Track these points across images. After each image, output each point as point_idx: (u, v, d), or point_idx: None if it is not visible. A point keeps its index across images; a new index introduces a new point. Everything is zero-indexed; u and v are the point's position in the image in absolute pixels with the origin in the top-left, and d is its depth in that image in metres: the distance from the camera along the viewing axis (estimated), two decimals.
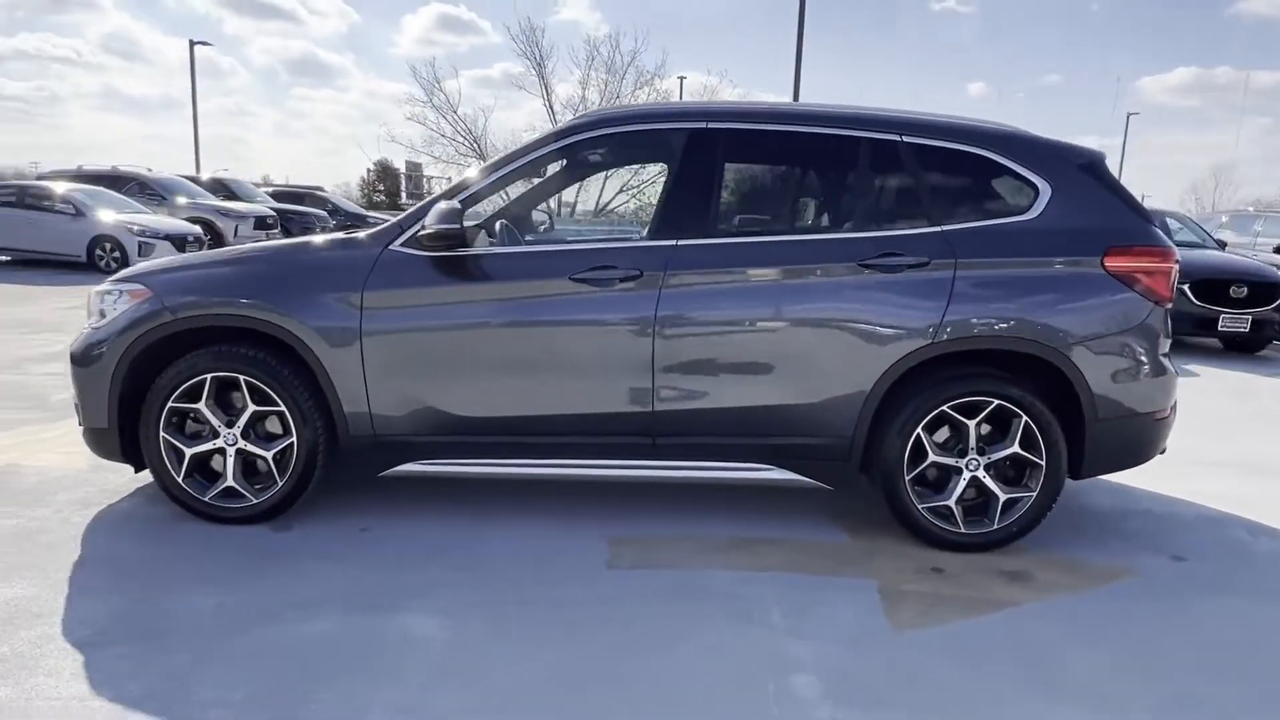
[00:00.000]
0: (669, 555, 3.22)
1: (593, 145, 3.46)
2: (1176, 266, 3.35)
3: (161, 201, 15.73)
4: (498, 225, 3.69)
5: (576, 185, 4.07)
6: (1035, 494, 3.28)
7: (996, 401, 3.21)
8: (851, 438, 3.27)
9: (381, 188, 46.15)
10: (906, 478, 3.27)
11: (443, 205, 3.17)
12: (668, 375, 3.22)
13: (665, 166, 3.38)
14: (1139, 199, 3.49)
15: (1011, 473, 3.35)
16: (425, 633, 2.59)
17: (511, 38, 28.31)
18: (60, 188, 14.54)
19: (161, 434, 3.30)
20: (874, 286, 3.19)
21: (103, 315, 3.35)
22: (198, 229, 14.27)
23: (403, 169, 50.86)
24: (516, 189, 3.57)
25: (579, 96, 40.09)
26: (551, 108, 35.78)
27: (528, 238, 4.18)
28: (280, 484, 3.33)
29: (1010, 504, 3.30)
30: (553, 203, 4.84)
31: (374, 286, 3.22)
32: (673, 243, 3.24)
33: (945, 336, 3.18)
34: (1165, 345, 3.38)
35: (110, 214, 13.61)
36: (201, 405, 3.29)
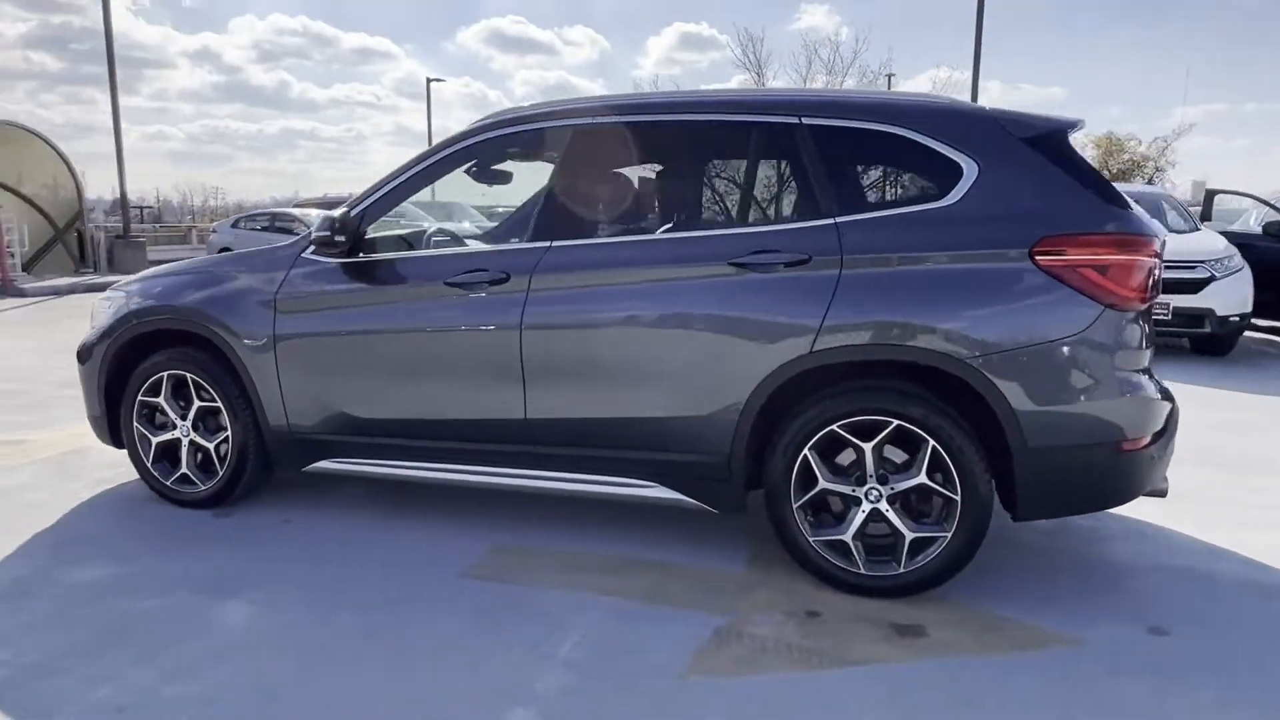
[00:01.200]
0: (533, 569, 3.09)
1: (493, 148, 3.42)
2: (1146, 260, 2.65)
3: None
4: (429, 231, 3.76)
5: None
6: (950, 535, 2.75)
7: (896, 422, 2.73)
8: (729, 456, 2.93)
9: None
10: (794, 505, 2.88)
11: (331, 213, 3.30)
12: (537, 382, 3.10)
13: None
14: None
15: (926, 507, 2.83)
16: (230, 621, 2.71)
17: (729, 48, 28.58)
18: (310, 213, 16.90)
19: (135, 424, 3.75)
20: (745, 288, 2.85)
21: (97, 319, 3.87)
22: None
23: None
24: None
25: None
26: None
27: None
28: (220, 473, 3.65)
29: (921, 544, 2.79)
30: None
31: (285, 292, 3.43)
32: (547, 244, 3.11)
33: (826, 345, 2.76)
34: (1134, 358, 2.69)
35: None
36: (161, 399, 3.69)
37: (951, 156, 2.78)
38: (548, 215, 3.16)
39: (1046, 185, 2.72)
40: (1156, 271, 2.72)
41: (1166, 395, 2.86)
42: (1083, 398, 2.64)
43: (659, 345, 2.94)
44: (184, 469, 3.71)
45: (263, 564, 3.16)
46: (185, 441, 3.70)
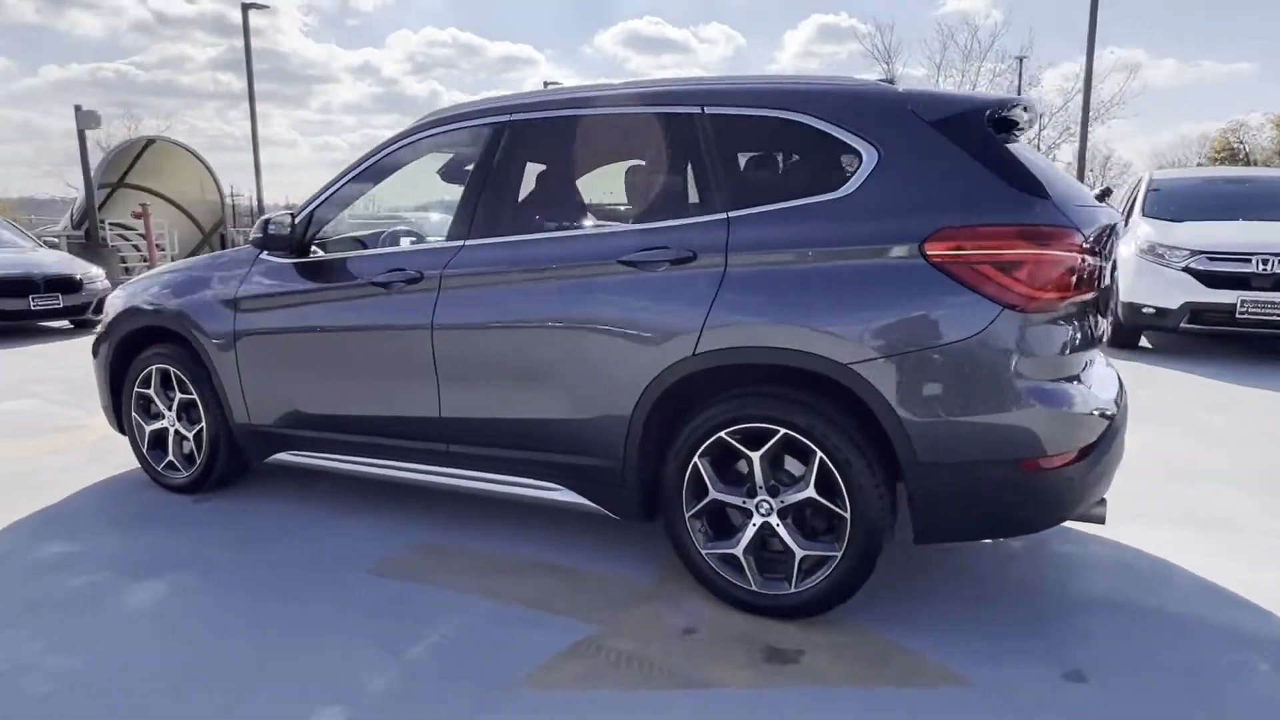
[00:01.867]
0: (439, 568, 3.09)
1: (428, 148, 3.44)
2: (1059, 254, 2.33)
3: None
4: (388, 231, 3.83)
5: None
6: (839, 555, 2.53)
7: (783, 431, 2.54)
8: (623, 461, 2.82)
9: None
10: (687, 514, 2.74)
11: (269, 215, 3.43)
12: (449, 381, 3.10)
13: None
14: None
15: (820, 523, 2.62)
16: (140, 601, 2.84)
17: (857, 39, 27.83)
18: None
19: (133, 413, 4.05)
20: (633, 287, 2.73)
21: (105, 316, 4.20)
22: None
23: None
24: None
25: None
26: None
27: None
28: (198, 462, 3.88)
29: (813, 563, 2.59)
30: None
31: (243, 291, 3.60)
32: (460, 244, 3.11)
33: (708, 347, 2.60)
34: (1050, 365, 2.38)
35: None
36: (152, 391, 3.97)
37: (851, 143, 2.56)
38: (463, 214, 3.16)
39: (950, 172, 2.45)
40: (1083, 267, 2.39)
41: (1103, 407, 2.51)
42: (978, 409, 2.36)
43: (554, 345, 2.87)
44: (170, 456, 3.98)
45: (206, 548, 3.32)
46: (171, 431, 3.96)
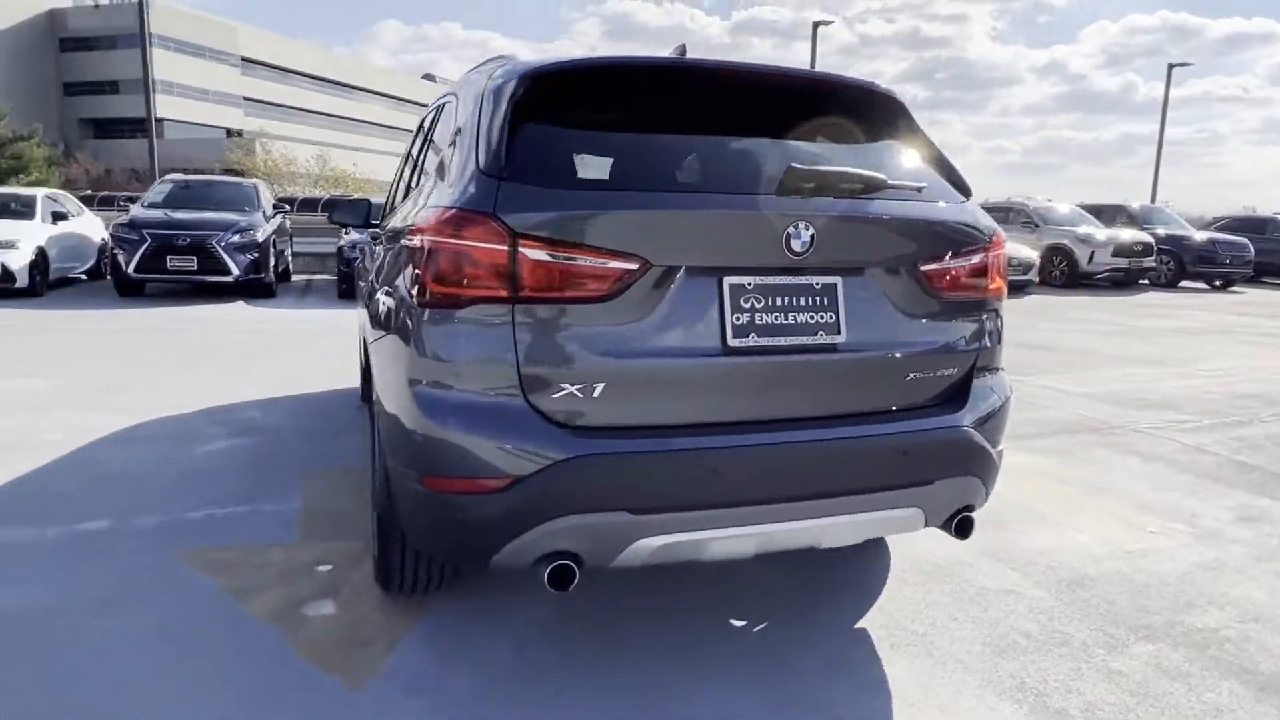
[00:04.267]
0: (291, 485, 3.72)
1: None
2: (457, 245, 2.01)
3: (1034, 229, 16.37)
4: None
5: None
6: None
7: None
8: None
9: None
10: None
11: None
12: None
13: None
14: None
15: None
16: (203, 447, 4.25)
17: None
18: None
19: None
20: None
21: None
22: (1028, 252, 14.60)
23: None
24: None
25: None
26: None
27: None
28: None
29: None
30: None
31: (357, 254, 4.80)
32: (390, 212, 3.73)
33: None
34: (455, 374, 2.03)
35: None
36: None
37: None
38: (399, 189, 3.76)
39: (470, 149, 2.22)
40: (511, 262, 1.92)
41: (556, 444, 1.92)
42: (393, 407, 2.15)
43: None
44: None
45: (292, 437, 4.51)
46: None
